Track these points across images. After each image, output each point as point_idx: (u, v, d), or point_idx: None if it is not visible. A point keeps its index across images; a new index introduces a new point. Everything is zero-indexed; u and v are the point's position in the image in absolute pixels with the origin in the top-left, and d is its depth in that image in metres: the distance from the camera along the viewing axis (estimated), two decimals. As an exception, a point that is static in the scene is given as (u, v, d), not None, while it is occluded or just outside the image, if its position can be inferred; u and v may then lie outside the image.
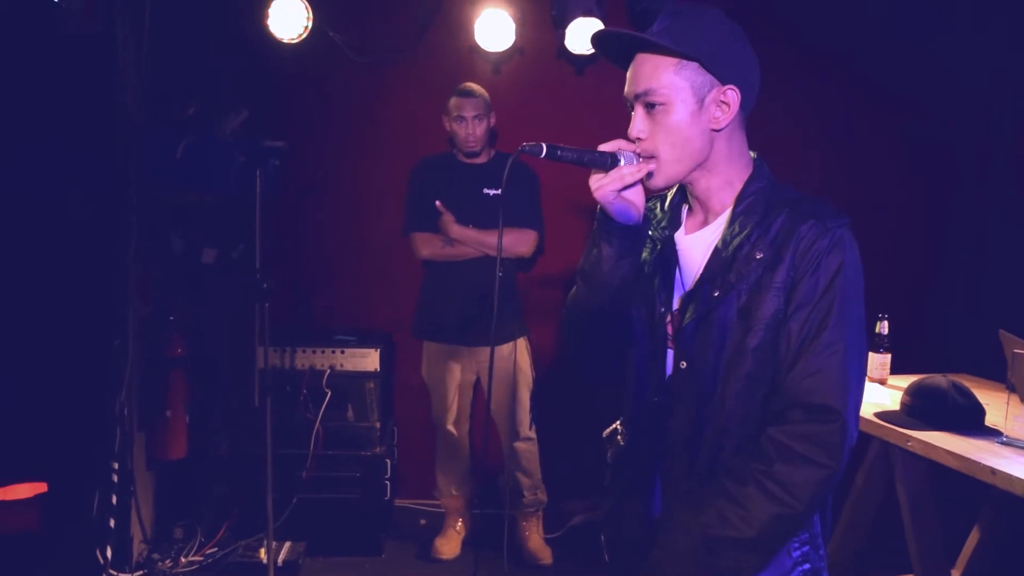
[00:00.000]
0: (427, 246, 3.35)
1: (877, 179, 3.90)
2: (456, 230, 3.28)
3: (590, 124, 3.83)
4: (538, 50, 3.80)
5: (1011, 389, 2.45)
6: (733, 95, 1.36)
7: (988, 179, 3.86)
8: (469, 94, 3.34)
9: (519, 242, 3.35)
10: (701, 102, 1.36)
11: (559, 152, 1.34)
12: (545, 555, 3.52)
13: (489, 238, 3.29)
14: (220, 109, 3.32)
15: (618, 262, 1.41)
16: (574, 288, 1.51)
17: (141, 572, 3.24)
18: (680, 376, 1.42)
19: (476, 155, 3.39)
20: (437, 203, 3.29)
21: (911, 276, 3.87)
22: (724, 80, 1.36)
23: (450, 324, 3.38)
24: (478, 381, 3.57)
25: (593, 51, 3.47)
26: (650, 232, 1.51)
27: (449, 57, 3.83)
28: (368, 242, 3.92)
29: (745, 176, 1.43)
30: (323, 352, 3.55)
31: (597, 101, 3.78)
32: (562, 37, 3.56)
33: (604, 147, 1.38)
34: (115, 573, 3.10)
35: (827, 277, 1.31)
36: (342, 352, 3.56)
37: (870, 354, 2.88)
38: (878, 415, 2.53)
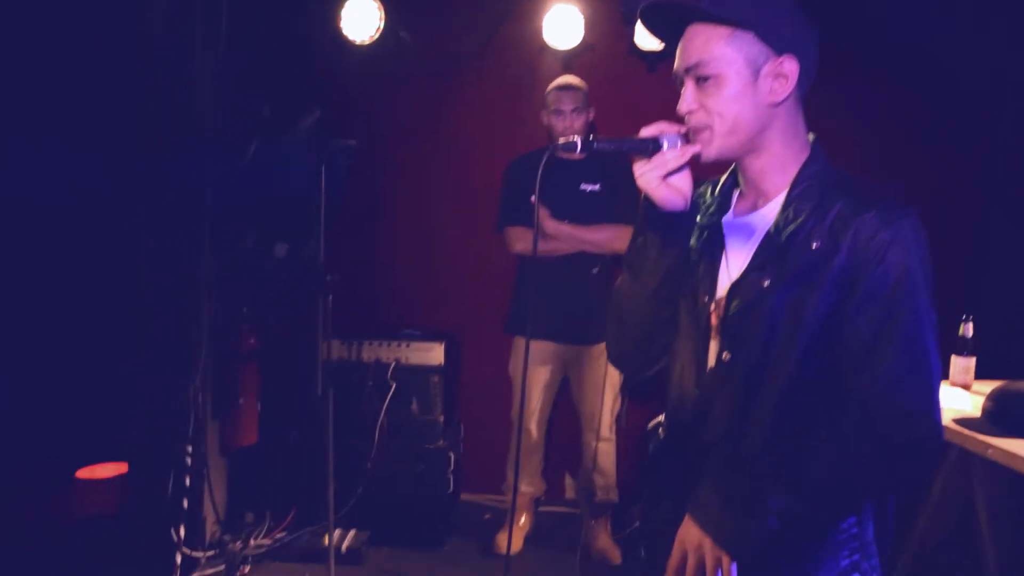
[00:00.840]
0: (521, 241, 3.32)
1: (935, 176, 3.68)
2: (552, 225, 3.25)
3: (650, 113, 3.73)
4: (608, 46, 3.75)
5: None
6: (791, 66, 1.29)
7: None
8: (568, 88, 3.31)
9: (616, 238, 3.22)
10: (756, 74, 1.30)
11: (596, 144, 1.33)
12: (614, 554, 3.48)
13: (586, 234, 3.26)
14: (293, 110, 3.41)
15: (664, 251, 1.38)
16: (620, 277, 1.49)
17: (213, 551, 3.33)
18: (722, 368, 1.36)
19: (574, 149, 3.33)
20: (532, 198, 3.24)
21: (997, 274, 3.58)
22: (781, 51, 1.29)
23: (543, 321, 3.34)
24: (564, 380, 3.51)
25: (660, 48, 3.46)
26: (698, 219, 1.46)
27: (519, 56, 3.82)
28: (435, 240, 3.94)
29: (802, 158, 1.36)
30: (388, 345, 3.58)
31: (670, 97, 3.67)
32: (631, 33, 3.48)
33: (645, 131, 1.34)
34: (188, 551, 3.20)
35: (896, 272, 1.23)
36: (407, 345, 3.58)
37: (952, 357, 2.75)
38: (957, 421, 2.36)
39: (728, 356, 1.35)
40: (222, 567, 3.25)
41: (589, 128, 3.36)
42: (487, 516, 3.75)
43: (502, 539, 3.53)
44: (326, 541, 3.26)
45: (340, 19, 3.60)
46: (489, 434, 3.82)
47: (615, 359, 1.62)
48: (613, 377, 3.42)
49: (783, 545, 1.31)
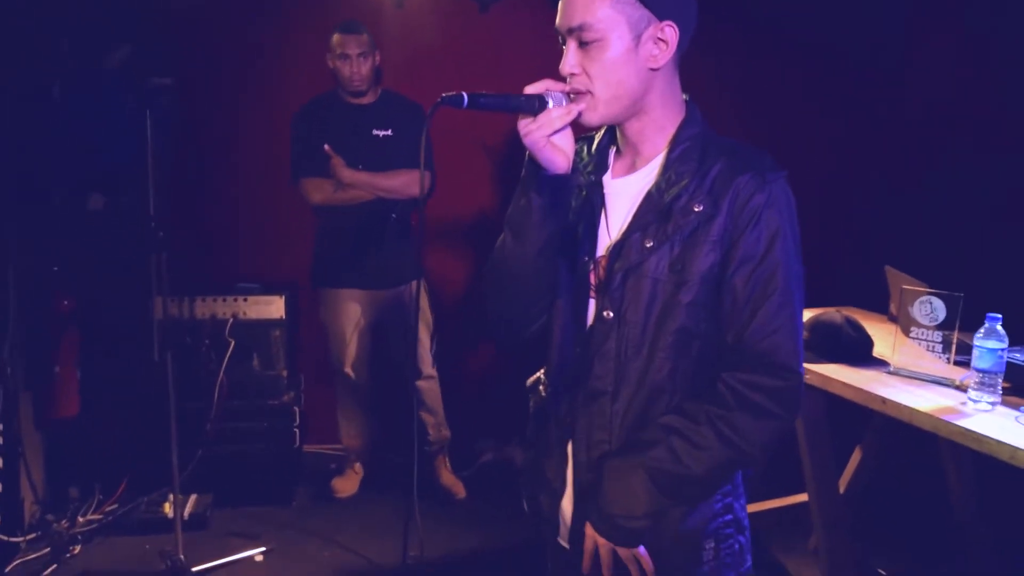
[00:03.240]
0: (318, 191, 3.21)
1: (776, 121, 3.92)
2: (347, 174, 3.14)
3: (491, 64, 3.72)
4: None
5: (894, 321, 2.52)
6: (671, 32, 1.29)
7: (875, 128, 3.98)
8: (353, 30, 3.18)
9: (412, 183, 3.18)
10: (638, 38, 1.28)
11: (482, 100, 1.26)
12: (458, 489, 3.55)
13: (382, 180, 3.19)
14: (99, 43, 3.04)
15: (548, 212, 1.34)
16: (500, 239, 1.43)
17: (35, 534, 3.08)
18: (603, 326, 1.36)
19: (363, 95, 3.24)
20: (326, 147, 3.12)
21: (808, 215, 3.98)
22: (662, 16, 1.28)
23: (346, 269, 3.32)
24: (376, 324, 3.47)
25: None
26: (579, 180, 1.45)
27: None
28: (272, 185, 3.71)
29: (678, 120, 1.36)
30: (225, 300, 3.43)
31: (500, 41, 3.70)
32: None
33: (530, 89, 1.28)
34: (5, 538, 2.92)
35: (769, 233, 1.27)
36: (245, 300, 3.45)
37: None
38: None
39: (610, 315, 1.35)
40: (47, 550, 3.01)
41: (375, 73, 3.28)
42: (333, 466, 3.71)
43: (337, 483, 3.56)
44: (167, 509, 3.17)
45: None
46: (328, 384, 3.76)
47: (496, 320, 1.54)
48: (426, 314, 3.48)
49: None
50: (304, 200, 3.29)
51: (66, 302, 3.21)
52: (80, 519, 3.17)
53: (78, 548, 3.02)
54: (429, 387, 3.49)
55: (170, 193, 3.01)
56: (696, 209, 1.28)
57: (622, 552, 1.35)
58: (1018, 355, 2.12)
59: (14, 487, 2.97)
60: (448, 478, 3.57)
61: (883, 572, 2.95)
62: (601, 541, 1.36)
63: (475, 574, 3.02)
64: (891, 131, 3.92)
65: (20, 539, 3.00)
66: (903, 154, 3.89)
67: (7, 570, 2.89)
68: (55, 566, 2.92)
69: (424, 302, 3.47)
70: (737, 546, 1.40)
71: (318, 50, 3.39)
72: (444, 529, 3.22)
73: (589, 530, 1.38)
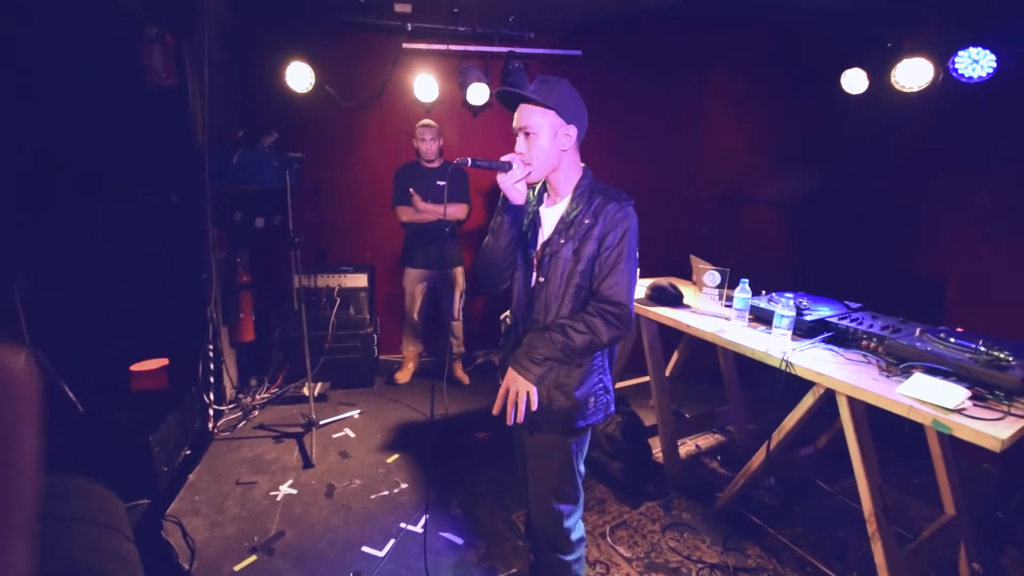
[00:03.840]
0: (406, 214, 3.20)
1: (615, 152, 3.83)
2: (422, 205, 3.16)
3: (481, 145, 3.78)
4: (451, 101, 3.66)
5: (695, 284, 2.65)
6: (574, 130, 1.34)
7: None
8: (428, 126, 3.20)
9: (458, 211, 3.24)
10: (556, 134, 1.32)
11: (479, 162, 1.30)
12: (465, 378, 3.57)
13: (440, 208, 3.20)
14: (259, 133, 3.08)
15: (511, 224, 1.38)
16: (486, 239, 1.45)
17: (232, 404, 3.13)
18: (539, 286, 1.40)
19: (432, 162, 3.25)
20: (411, 190, 3.17)
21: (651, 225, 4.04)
22: (569, 121, 1.33)
23: (419, 257, 3.29)
24: (432, 289, 3.43)
25: (482, 103, 3.49)
26: (528, 208, 1.47)
27: (399, 104, 3.63)
28: (355, 212, 3.74)
29: (578, 177, 1.40)
30: (333, 275, 3.40)
31: (485, 132, 3.72)
32: (465, 94, 3.47)
33: (504, 158, 1.34)
34: (217, 407, 2.99)
35: (621, 232, 1.32)
36: (344, 275, 3.42)
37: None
38: (638, 301, 2.61)
39: (542, 280, 1.40)
40: (240, 414, 3.07)
41: (440, 150, 3.24)
42: (395, 366, 3.72)
43: (398, 375, 3.56)
44: (305, 390, 3.22)
45: (285, 75, 3.24)
46: (391, 322, 3.82)
47: (483, 283, 1.49)
48: (461, 285, 3.45)
49: (567, 376, 1.38)
50: (396, 218, 3.25)
51: (245, 277, 3.22)
52: (257, 396, 3.23)
53: (256, 412, 3.10)
54: (457, 324, 3.48)
55: (301, 217, 3.05)
56: (586, 222, 1.33)
57: (521, 388, 1.30)
58: (755, 300, 2.22)
59: (219, 379, 3.03)
60: (460, 372, 3.57)
61: (686, 414, 3.05)
62: (509, 382, 1.32)
63: (474, 422, 3.03)
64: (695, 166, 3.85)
65: (224, 407, 3.07)
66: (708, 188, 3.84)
67: (219, 424, 2.95)
68: (244, 421, 3.00)
69: (461, 278, 3.43)
70: (604, 400, 1.43)
71: (373, 137, 3.41)
72: (457, 400, 3.29)
73: (506, 378, 1.34)
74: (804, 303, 2.12)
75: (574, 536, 1.45)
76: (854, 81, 2.97)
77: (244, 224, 3.15)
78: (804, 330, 1.99)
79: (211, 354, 2.93)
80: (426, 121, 3.25)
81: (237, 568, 1.92)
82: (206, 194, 2.84)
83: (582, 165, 1.43)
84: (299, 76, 3.24)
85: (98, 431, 2.33)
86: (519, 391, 1.32)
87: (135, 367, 2.86)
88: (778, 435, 1.97)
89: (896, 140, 3.10)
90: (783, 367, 1.78)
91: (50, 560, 1.37)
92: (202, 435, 2.84)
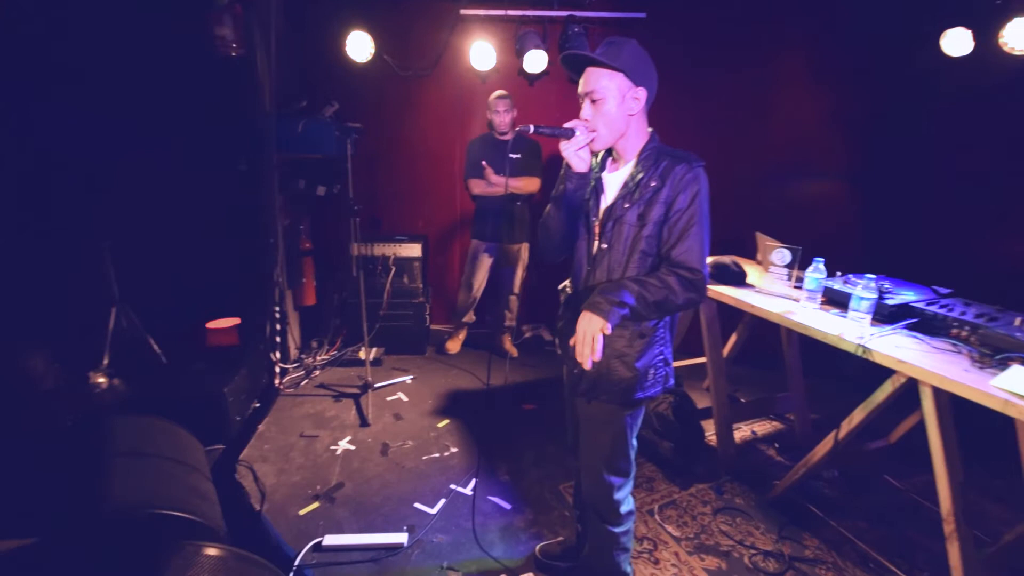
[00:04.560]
0: (477, 187, 3.21)
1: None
2: (494, 179, 3.15)
3: (537, 115, 3.70)
4: (506, 70, 3.58)
5: (759, 264, 2.54)
6: (643, 93, 1.29)
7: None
8: (502, 97, 3.17)
9: (529, 184, 3.19)
10: (623, 98, 1.28)
11: (541, 128, 1.28)
12: (514, 351, 3.60)
13: (513, 182, 3.18)
14: (320, 103, 3.15)
15: (574, 193, 1.36)
16: (547, 207, 1.43)
17: (296, 364, 3.30)
18: (600, 253, 1.37)
19: (505, 134, 3.22)
20: (483, 163, 3.17)
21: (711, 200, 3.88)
22: (637, 84, 1.28)
23: (488, 230, 3.30)
24: (497, 263, 3.43)
25: (539, 71, 3.41)
26: (591, 176, 1.41)
27: (453, 72, 3.60)
28: (411, 183, 3.78)
29: (644, 141, 1.35)
30: (389, 244, 3.48)
31: (541, 101, 3.64)
32: (522, 61, 3.38)
33: (567, 124, 1.30)
34: (282, 365, 3.08)
35: (692, 194, 1.26)
36: (400, 244, 3.48)
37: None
38: None
39: (604, 246, 1.36)
40: (302, 372, 3.24)
41: (513, 122, 3.18)
42: (445, 336, 3.79)
43: (449, 345, 3.62)
44: (361, 354, 3.36)
45: (345, 47, 3.28)
46: (442, 293, 3.88)
47: (542, 253, 1.48)
48: (524, 260, 3.44)
49: (628, 346, 1.33)
50: (468, 191, 3.25)
51: (307, 244, 3.34)
52: (318, 358, 3.37)
53: (317, 372, 3.24)
54: (514, 299, 3.49)
55: (356, 186, 3.09)
56: (652, 184, 1.28)
57: (593, 327, 1.19)
58: (830, 281, 2.13)
59: (284, 340, 3.19)
60: (508, 345, 3.60)
61: (741, 398, 3.00)
62: (584, 321, 1.20)
63: (522, 394, 3.07)
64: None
65: (289, 366, 3.25)
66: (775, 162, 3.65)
67: (284, 381, 3.12)
68: (306, 380, 3.15)
69: (526, 254, 3.39)
70: (663, 373, 1.40)
71: (428, 106, 3.41)
72: (505, 372, 3.39)
73: (581, 319, 1.22)
74: (886, 286, 1.98)
75: (623, 509, 1.46)
76: (956, 42, 2.67)
77: (306, 192, 3.24)
78: (885, 315, 1.87)
79: (277, 315, 3.05)
80: (500, 92, 3.20)
81: (302, 512, 2.06)
82: (273, 162, 2.93)
83: (649, 130, 1.38)
84: (359, 45, 3.27)
85: (179, 380, 2.53)
86: (593, 330, 1.21)
87: (210, 324, 3.07)
88: (848, 424, 1.87)
89: (998, 110, 2.78)
90: (859, 353, 1.67)
91: (141, 490, 1.52)
92: (269, 390, 3.01)
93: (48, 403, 2.48)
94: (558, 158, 3.93)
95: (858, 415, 1.83)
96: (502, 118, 3.17)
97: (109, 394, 2.55)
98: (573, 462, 1.65)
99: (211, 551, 1.28)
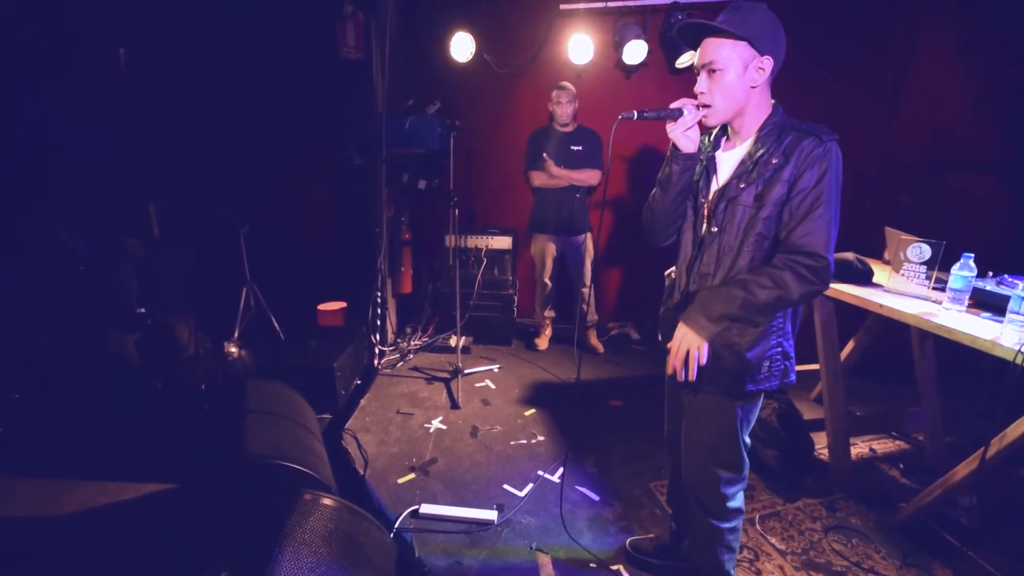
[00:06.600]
0: (538, 179, 3.24)
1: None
2: (555, 170, 3.17)
3: (631, 104, 3.64)
4: (602, 63, 3.55)
5: (886, 263, 2.30)
6: (768, 62, 1.19)
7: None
8: (564, 88, 3.16)
9: (590, 177, 3.19)
10: (746, 68, 1.18)
11: (645, 113, 1.23)
12: (600, 347, 3.55)
13: (574, 175, 3.17)
14: (424, 101, 3.30)
15: (681, 175, 1.31)
16: (653, 191, 1.37)
17: (392, 347, 3.47)
18: (710, 237, 1.29)
19: (567, 126, 3.22)
20: (544, 155, 3.21)
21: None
22: (763, 52, 1.18)
23: (549, 223, 3.29)
24: (561, 255, 3.42)
25: (638, 62, 3.34)
26: (701, 156, 1.36)
27: (549, 68, 3.62)
28: (504, 175, 3.86)
29: (765, 115, 1.25)
30: (482, 237, 3.54)
31: (637, 94, 3.57)
32: (621, 53, 3.33)
33: (672, 105, 1.25)
34: (380, 347, 3.34)
35: (820, 172, 1.16)
36: (491, 237, 3.54)
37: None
38: None
39: (715, 230, 1.28)
40: (398, 355, 3.40)
41: (574, 114, 3.17)
42: (532, 329, 3.85)
43: (538, 341, 3.62)
44: (452, 341, 3.44)
45: (449, 47, 3.43)
46: (530, 286, 3.91)
47: (647, 237, 1.42)
48: (590, 252, 3.38)
49: (739, 335, 1.25)
50: (529, 183, 3.28)
51: (407, 234, 3.52)
52: (412, 342, 3.52)
53: (411, 356, 3.38)
54: (586, 291, 3.45)
55: (456, 180, 3.24)
56: (773, 161, 1.19)
57: (692, 343, 1.20)
58: (980, 282, 1.90)
59: (384, 324, 3.36)
60: (594, 340, 3.55)
61: (856, 411, 2.75)
62: (680, 334, 1.22)
63: (609, 389, 3.03)
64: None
65: (387, 348, 3.39)
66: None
67: (382, 362, 3.30)
68: (402, 362, 3.30)
69: (590, 245, 3.38)
70: (782, 366, 1.30)
71: (527, 102, 3.46)
72: (591, 367, 3.30)
73: (678, 331, 1.23)
74: (1053, 287, 1.69)
75: (731, 504, 1.37)
76: None
77: (408, 185, 3.41)
78: (1051, 320, 1.59)
79: (379, 301, 3.27)
80: (563, 84, 3.18)
81: (400, 481, 2.19)
82: (382, 157, 3.13)
83: (772, 102, 1.27)
84: (462, 46, 3.41)
85: (295, 354, 2.79)
86: (689, 347, 1.22)
87: (321, 306, 3.35)
88: (999, 442, 1.62)
89: None
90: (1019, 361, 1.44)
91: (270, 444, 1.70)
92: (369, 369, 3.24)
93: (190, 367, 2.84)
94: (637, 154, 3.66)
95: (1013, 432, 1.58)
96: (564, 109, 3.13)
97: (239, 363, 2.88)
98: (667, 457, 1.60)
99: (328, 501, 1.40)
